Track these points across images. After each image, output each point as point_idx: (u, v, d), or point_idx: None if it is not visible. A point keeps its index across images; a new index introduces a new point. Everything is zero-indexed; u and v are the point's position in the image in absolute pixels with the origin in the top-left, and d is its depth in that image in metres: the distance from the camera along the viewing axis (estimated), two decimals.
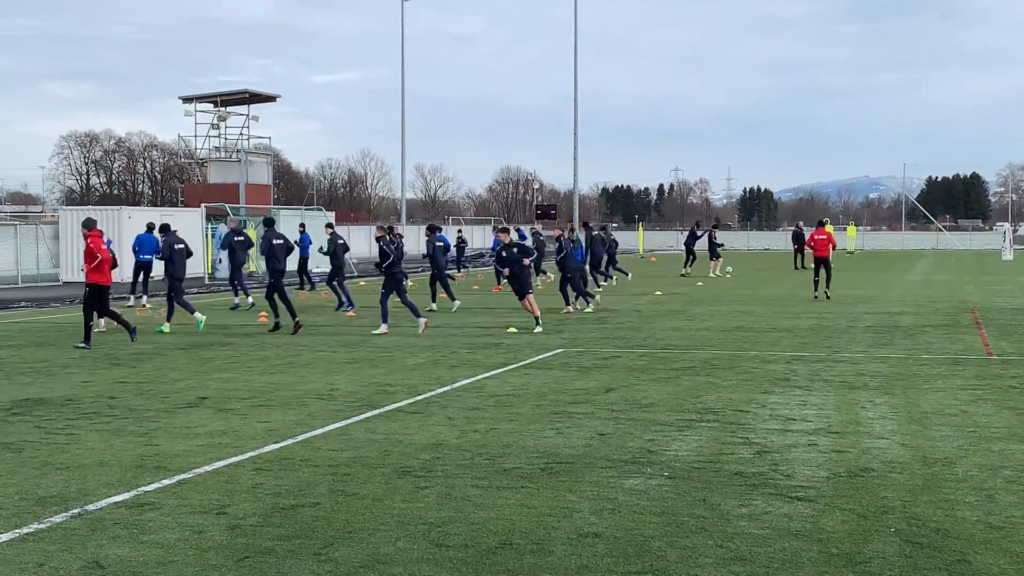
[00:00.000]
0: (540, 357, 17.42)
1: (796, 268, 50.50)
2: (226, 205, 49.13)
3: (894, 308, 27.43)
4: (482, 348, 18.77)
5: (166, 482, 8.91)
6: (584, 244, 34.37)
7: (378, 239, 21.93)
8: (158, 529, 7.50)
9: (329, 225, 29.34)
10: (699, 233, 47.24)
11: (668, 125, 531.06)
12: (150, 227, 29.88)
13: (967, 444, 10.33)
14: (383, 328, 21.46)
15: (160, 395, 13.65)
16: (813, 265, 31.55)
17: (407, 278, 23.79)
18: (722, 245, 47.58)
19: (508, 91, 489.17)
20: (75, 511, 8.00)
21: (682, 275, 44.74)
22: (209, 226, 45.03)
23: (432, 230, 29.68)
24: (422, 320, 21.53)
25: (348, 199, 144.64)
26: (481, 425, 11.42)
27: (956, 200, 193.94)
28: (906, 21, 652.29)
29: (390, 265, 21.64)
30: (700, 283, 39.69)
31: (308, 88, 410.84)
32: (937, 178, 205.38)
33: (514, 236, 26.20)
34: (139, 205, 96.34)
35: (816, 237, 31.45)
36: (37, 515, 7.90)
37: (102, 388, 14.29)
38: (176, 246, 22.79)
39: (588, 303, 27.07)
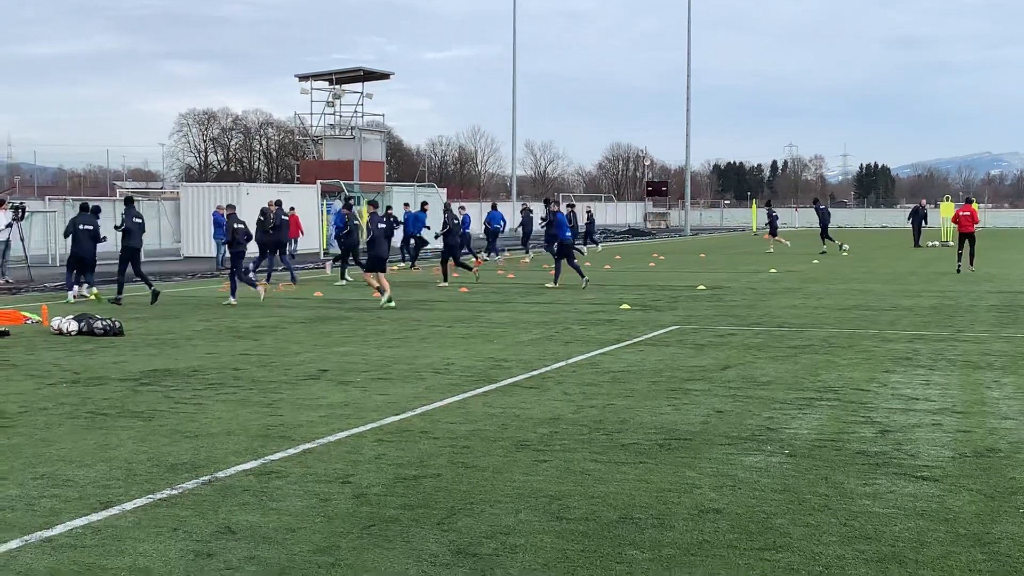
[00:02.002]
0: (654, 334, 17.36)
1: (916, 246, 49.51)
2: (341, 182, 49.81)
3: (1018, 287, 26.69)
4: (595, 324, 18.77)
5: (291, 451, 9.11)
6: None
7: (228, 217, 23.99)
8: (285, 497, 7.69)
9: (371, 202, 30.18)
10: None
11: (783, 101, 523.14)
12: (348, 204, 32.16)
13: None
14: (232, 300, 22.84)
15: (282, 367, 13.94)
16: (957, 241, 33.48)
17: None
18: (777, 217, 48.93)
19: (620, 68, 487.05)
20: (205, 478, 8.23)
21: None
22: (324, 202, 45.75)
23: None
24: (260, 288, 23.47)
25: (458, 176, 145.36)
26: (597, 401, 11.44)
27: None
28: None
29: (231, 244, 23.66)
30: (816, 261, 39.10)
31: (420, 65, 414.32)
32: None
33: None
34: (255, 182, 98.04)
35: (961, 214, 33.52)
36: (169, 481, 8.15)
37: (226, 360, 14.65)
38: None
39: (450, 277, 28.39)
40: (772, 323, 18.90)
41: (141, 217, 24.26)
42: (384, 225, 23.99)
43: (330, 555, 6.42)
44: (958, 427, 10.02)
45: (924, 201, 55.80)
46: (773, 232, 47.49)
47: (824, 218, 47.22)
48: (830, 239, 46.73)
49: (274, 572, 6.13)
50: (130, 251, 23.50)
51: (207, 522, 7.09)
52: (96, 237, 23.57)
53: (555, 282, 27.35)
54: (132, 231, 23.58)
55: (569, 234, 28.07)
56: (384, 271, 22.97)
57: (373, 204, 24.85)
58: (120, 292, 23.03)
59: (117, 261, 23.54)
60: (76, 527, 6.99)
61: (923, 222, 51.58)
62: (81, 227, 23.50)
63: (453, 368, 13.78)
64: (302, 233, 40.77)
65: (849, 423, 10.21)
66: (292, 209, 33.81)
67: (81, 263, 23.54)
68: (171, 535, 6.82)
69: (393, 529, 6.92)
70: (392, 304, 22.06)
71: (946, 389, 12.08)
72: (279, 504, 7.50)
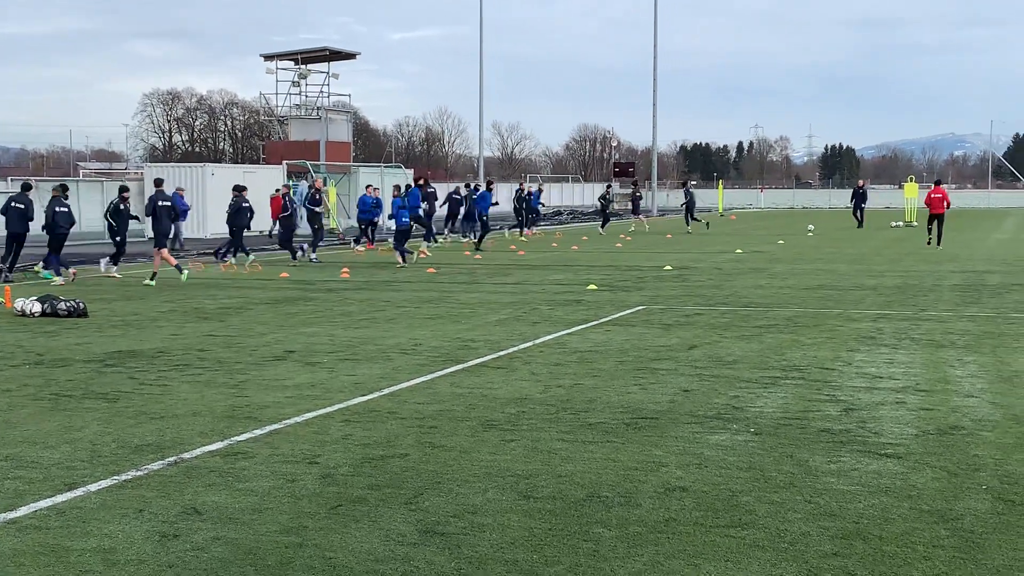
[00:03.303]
0: (621, 314, 17.41)
1: (859, 227, 49.89)
2: (307, 162, 49.56)
3: (981, 266, 26.94)
4: (562, 305, 18.79)
5: (258, 432, 9.08)
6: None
7: (53, 199, 24.43)
8: (252, 477, 7.66)
9: (236, 188, 29.64)
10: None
11: (749, 82, 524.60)
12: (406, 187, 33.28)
13: None
14: (59, 279, 23.46)
15: (248, 348, 13.88)
16: (927, 220, 35.23)
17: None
18: (641, 198, 50.12)
19: (589, 49, 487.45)
20: (171, 459, 8.19)
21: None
22: (291, 183, 45.55)
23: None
24: (69, 271, 24.22)
25: (425, 157, 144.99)
26: (565, 380, 11.47)
27: None
28: None
29: (51, 227, 24.11)
30: (781, 241, 39.30)
31: (387, 46, 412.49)
32: None
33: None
34: (220, 162, 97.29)
35: (932, 196, 35.15)
36: (134, 463, 8.11)
37: (191, 341, 14.57)
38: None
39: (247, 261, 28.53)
40: (738, 303, 18.99)
41: (25, 203, 24.49)
42: (168, 203, 24.40)
43: (297, 535, 6.41)
44: (921, 405, 10.11)
45: (862, 182, 56.20)
46: (636, 211, 49.17)
47: (690, 199, 48.75)
48: (695, 219, 48.69)
49: (241, 552, 6.11)
50: (11, 236, 24.40)
51: (173, 503, 7.06)
52: (26, 216, 24.48)
53: (403, 261, 28.34)
54: (10, 216, 24.34)
55: (406, 220, 29.25)
56: (164, 247, 24.07)
57: (157, 182, 25.37)
58: (7, 271, 23.98)
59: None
60: (41, 509, 6.94)
61: (863, 202, 52.02)
62: (13, 204, 24.44)
63: (421, 349, 13.77)
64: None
65: (814, 401, 10.28)
66: (277, 191, 33.58)
67: (18, 240, 24.44)
68: (137, 516, 6.78)
69: (360, 509, 6.91)
70: (151, 283, 22.86)
71: (909, 368, 12.18)
72: (246, 485, 7.47)
